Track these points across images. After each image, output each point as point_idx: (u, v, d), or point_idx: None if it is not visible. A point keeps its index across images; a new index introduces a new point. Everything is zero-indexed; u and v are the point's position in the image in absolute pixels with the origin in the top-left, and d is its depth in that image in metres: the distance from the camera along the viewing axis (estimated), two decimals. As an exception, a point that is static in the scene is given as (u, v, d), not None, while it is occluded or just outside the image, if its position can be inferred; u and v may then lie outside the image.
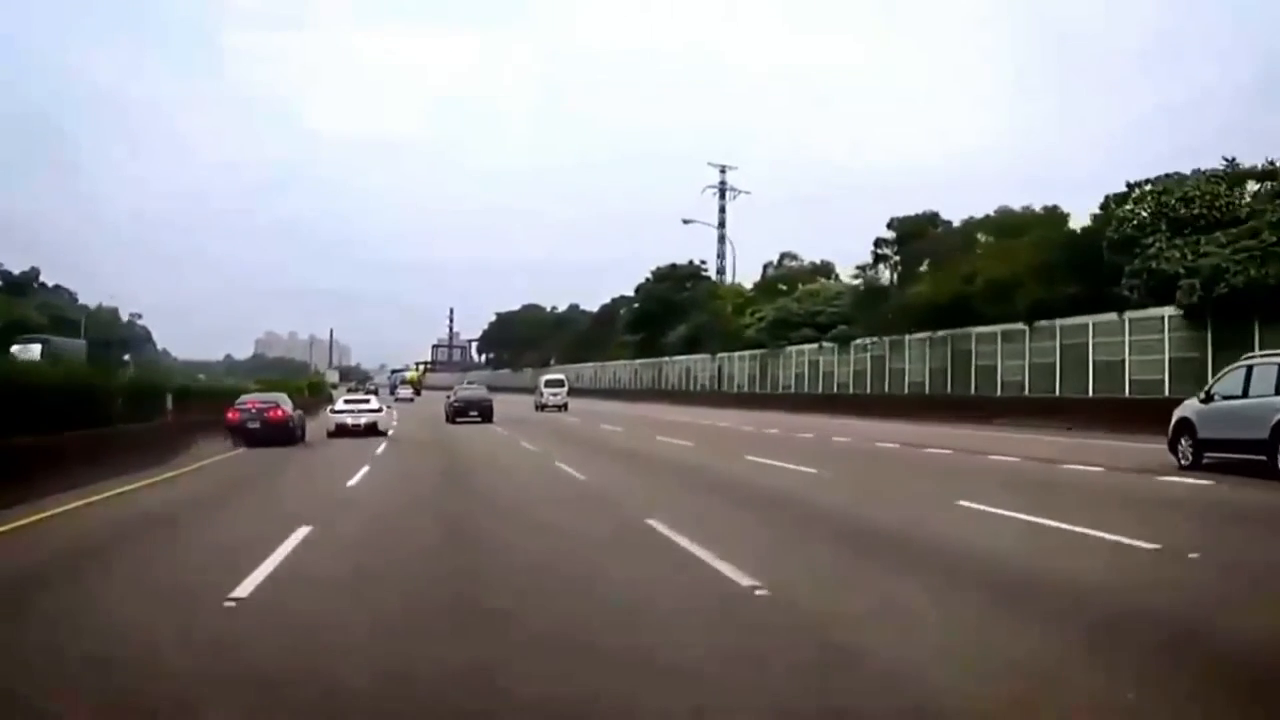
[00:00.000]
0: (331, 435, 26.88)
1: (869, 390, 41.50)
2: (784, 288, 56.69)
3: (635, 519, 9.90)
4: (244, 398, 25.31)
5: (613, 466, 17.57)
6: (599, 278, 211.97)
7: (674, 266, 74.51)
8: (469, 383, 49.85)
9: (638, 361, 75.86)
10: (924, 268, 41.57)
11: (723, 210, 73.35)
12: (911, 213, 46.79)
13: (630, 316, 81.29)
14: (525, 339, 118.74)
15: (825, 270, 58.55)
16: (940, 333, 36.29)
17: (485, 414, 34.56)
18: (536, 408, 47.35)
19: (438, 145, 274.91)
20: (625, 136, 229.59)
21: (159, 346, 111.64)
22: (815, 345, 46.85)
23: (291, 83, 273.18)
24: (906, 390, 38.96)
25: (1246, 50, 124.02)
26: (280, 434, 23.22)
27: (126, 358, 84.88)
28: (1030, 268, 32.24)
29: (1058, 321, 30.91)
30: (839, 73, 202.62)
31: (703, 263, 74.77)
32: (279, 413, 23.79)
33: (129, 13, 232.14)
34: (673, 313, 69.94)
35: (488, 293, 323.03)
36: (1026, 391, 32.08)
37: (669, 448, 21.90)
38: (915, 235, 44.92)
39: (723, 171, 73.67)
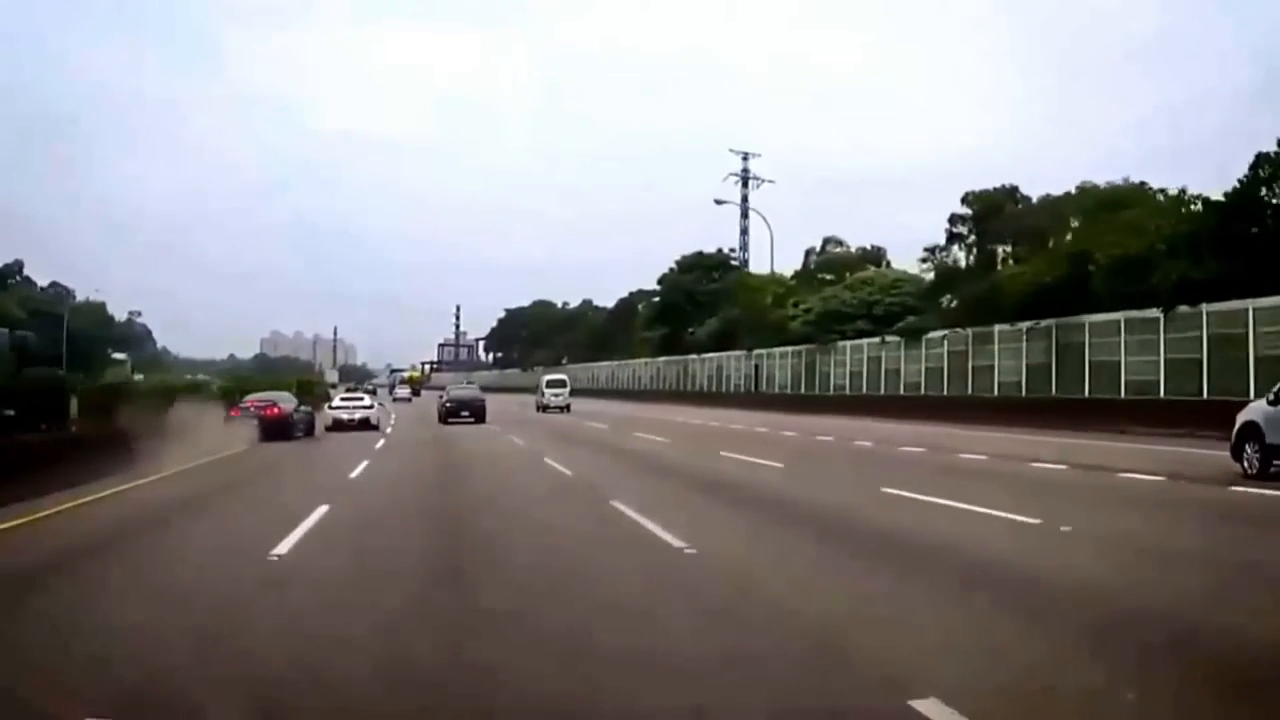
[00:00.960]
0: (330, 429, 29.06)
1: (946, 391, 35.57)
2: (829, 276, 50.89)
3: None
4: (247, 397, 27.23)
5: (699, 510, 11.66)
6: (601, 277, 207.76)
7: (700, 255, 68.61)
8: (468, 382, 50.43)
9: (660, 359, 69.75)
10: (1008, 248, 35.63)
11: (745, 200, 68.01)
12: (989, 187, 40.64)
13: (651, 311, 75.67)
14: (534, 337, 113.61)
15: (875, 257, 52.61)
16: (1044, 322, 30.33)
17: (478, 414, 35.37)
18: (538, 408, 46.73)
19: (439, 145, 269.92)
20: (625, 136, 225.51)
21: (159, 345, 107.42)
22: (876, 340, 40.77)
23: (291, 82, 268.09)
24: (996, 391, 32.96)
25: (1246, 51, 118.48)
26: (279, 429, 24.54)
27: (124, 355, 79.96)
28: (1165, 242, 26.39)
29: (1204, 307, 25.04)
30: (839, 72, 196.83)
31: (732, 250, 69.15)
32: (275, 410, 25.32)
33: (129, 12, 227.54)
34: (699, 306, 64.25)
35: (492, 292, 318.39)
36: (1162, 393, 26.19)
37: (752, 470, 16.05)
38: (994, 212, 38.92)
39: (745, 159, 68.28)
